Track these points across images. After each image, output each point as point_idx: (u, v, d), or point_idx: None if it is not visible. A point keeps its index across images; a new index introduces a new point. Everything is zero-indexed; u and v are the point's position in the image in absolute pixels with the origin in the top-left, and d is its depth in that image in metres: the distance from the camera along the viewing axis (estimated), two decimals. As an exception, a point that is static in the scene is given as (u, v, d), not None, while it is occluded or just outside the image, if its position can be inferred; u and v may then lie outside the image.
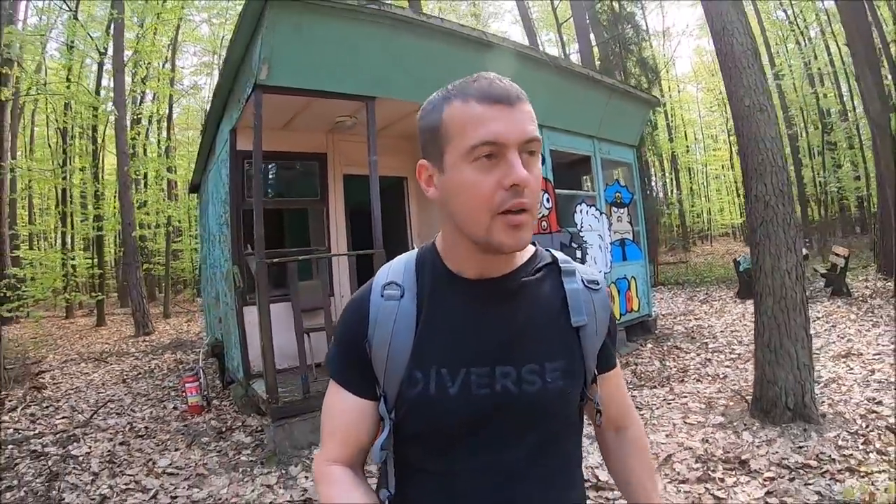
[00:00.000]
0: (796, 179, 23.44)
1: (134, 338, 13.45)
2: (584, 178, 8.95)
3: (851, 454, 3.75)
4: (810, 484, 3.40)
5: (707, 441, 4.27)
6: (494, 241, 0.90)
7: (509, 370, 0.97)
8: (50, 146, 22.12)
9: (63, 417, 6.38)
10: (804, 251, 12.71)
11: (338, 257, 6.80)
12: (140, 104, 21.60)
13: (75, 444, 5.32)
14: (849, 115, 22.82)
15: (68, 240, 21.06)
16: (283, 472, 4.32)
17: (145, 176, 21.37)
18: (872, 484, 3.29)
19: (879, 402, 4.67)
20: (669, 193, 33.46)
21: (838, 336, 7.48)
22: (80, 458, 4.90)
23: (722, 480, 3.60)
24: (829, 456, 3.74)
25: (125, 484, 4.29)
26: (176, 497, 4.03)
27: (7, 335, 11.50)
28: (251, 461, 4.61)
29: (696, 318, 10.35)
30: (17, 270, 13.94)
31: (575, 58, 21.98)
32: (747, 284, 11.25)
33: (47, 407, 6.94)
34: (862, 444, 3.90)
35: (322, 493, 1.00)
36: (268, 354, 4.76)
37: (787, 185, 4.75)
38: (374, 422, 1.03)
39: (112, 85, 16.36)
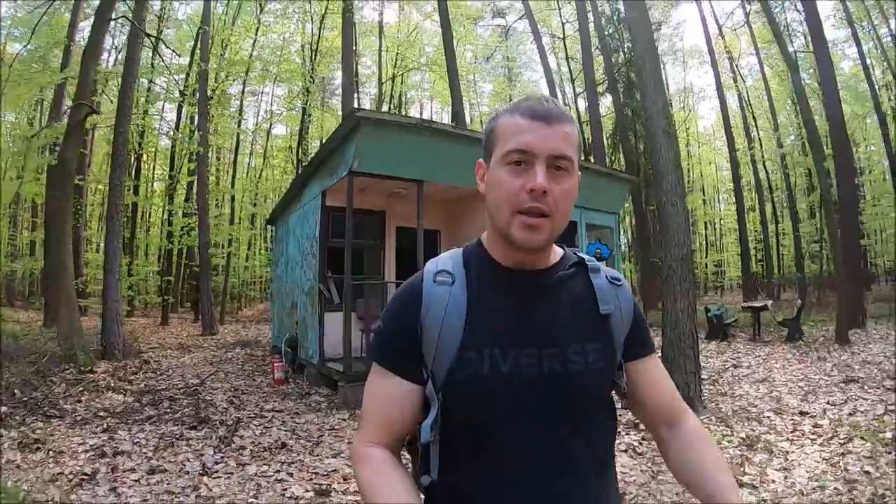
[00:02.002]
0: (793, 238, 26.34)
1: (202, 336, 15.88)
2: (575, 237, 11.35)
3: (712, 431, 5.80)
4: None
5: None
6: (512, 236, 1.02)
7: (555, 351, 1.03)
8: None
9: (179, 381, 8.83)
10: (767, 303, 14.81)
11: (390, 283, 9.30)
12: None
13: (200, 394, 7.76)
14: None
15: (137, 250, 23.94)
16: (351, 413, 6.72)
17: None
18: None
19: (754, 406, 6.74)
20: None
21: (765, 368, 9.31)
22: (210, 400, 7.35)
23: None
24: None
25: (247, 415, 6.72)
26: (284, 422, 6.43)
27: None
28: (328, 408, 7.03)
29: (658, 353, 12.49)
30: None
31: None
32: (715, 328, 12.90)
33: (160, 375, 9.37)
34: (723, 426, 5.91)
35: (360, 474, 1.02)
36: (346, 344, 7.26)
37: (687, 254, 7.12)
38: (417, 407, 1.06)
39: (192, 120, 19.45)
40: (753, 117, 29.57)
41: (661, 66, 34.88)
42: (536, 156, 0.99)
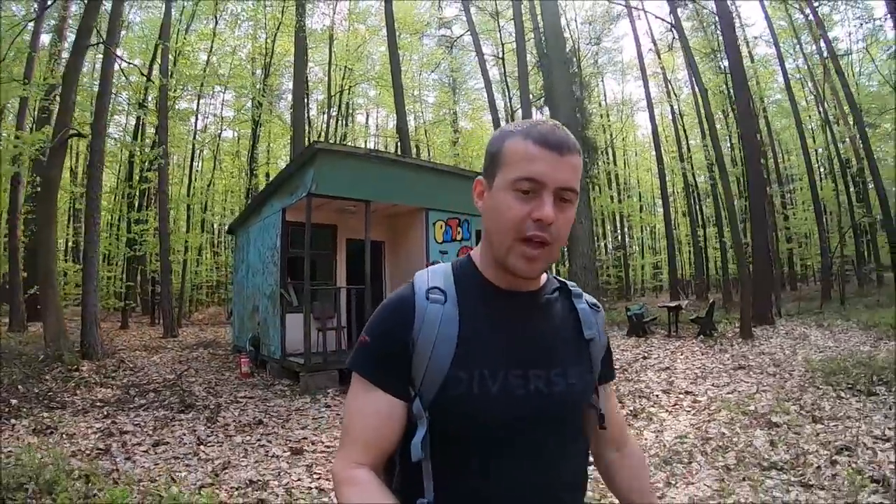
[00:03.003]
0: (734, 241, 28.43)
1: (163, 338, 16.61)
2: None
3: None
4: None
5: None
6: (510, 264, 1.03)
7: (540, 373, 1.05)
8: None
9: (156, 376, 9.82)
10: (682, 303, 16.46)
11: (342, 289, 10.49)
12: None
13: (179, 386, 8.81)
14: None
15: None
16: (312, 397, 7.92)
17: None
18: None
19: (649, 388, 7.90)
20: (615, 251, 36.87)
21: (671, 359, 10.10)
22: (190, 391, 8.42)
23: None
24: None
25: (225, 401, 7.84)
26: (257, 405, 7.57)
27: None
28: (292, 395, 8.20)
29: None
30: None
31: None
32: (634, 325, 13.84)
33: (138, 372, 10.32)
34: (619, 404, 7.42)
35: (344, 496, 0.99)
36: (307, 340, 8.46)
37: (591, 263, 8.54)
38: (401, 424, 1.04)
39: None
40: (684, 129, 31.73)
41: (601, 79, 37.17)
42: (546, 186, 0.99)
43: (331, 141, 27.57)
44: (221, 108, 29.22)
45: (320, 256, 10.78)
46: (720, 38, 24.24)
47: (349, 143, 32.80)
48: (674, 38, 19.82)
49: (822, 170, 30.30)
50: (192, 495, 4.06)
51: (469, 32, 24.11)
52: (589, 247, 8.11)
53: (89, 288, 10.55)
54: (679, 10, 22.71)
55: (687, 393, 7.48)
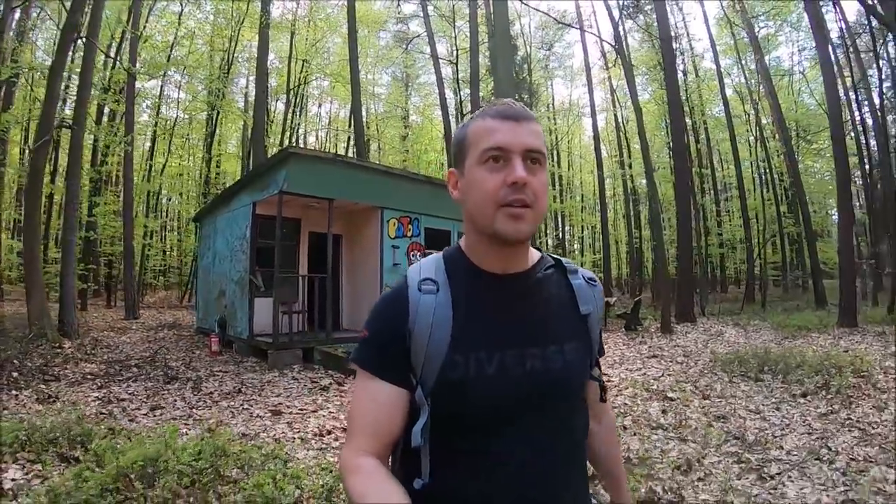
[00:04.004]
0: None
1: (126, 320, 17.14)
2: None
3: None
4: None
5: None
6: (498, 230, 1.04)
7: (536, 351, 1.08)
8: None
9: (133, 353, 10.60)
10: (610, 299, 17.97)
11: (308, 277, 11.46)
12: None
13: (157, 362, 9.66)
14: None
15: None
16: (279, 372, 8.93)
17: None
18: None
19: (606, 375, 9.39)
20: (554, 248, 38.20)
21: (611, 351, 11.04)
22: (168, 364, 9.31)
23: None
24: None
25: (203, 375, 8.75)
26: (233, 378, 8.51)
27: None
28: (262, 370, 9.19)
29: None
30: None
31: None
32: None
33: (115, 350, 11.07)
34: None
35: (351, 484, 1.00)
36: (275, 323, 9.45)
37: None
38: (405, 412, 1.07)
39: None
40: (626, 137, 33.42)
41: (551, 83, 38.56)
42: (512, 151, 1.03)
43: (287, 133, 28.23)
44: (178, 92, 29.31)
45: (285, 247, 11.67)
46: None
47: (301, 131, 33.47)
48: (616, 58, 21.21)
49: (759, 180, 31.97)
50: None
51: (426, 33, 24.98)
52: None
53: (68, 270, 11.24)
54: (626, 25, 24.20)
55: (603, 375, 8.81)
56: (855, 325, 13.12)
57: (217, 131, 28.51)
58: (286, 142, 29.11)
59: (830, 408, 6.14)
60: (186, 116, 28.82)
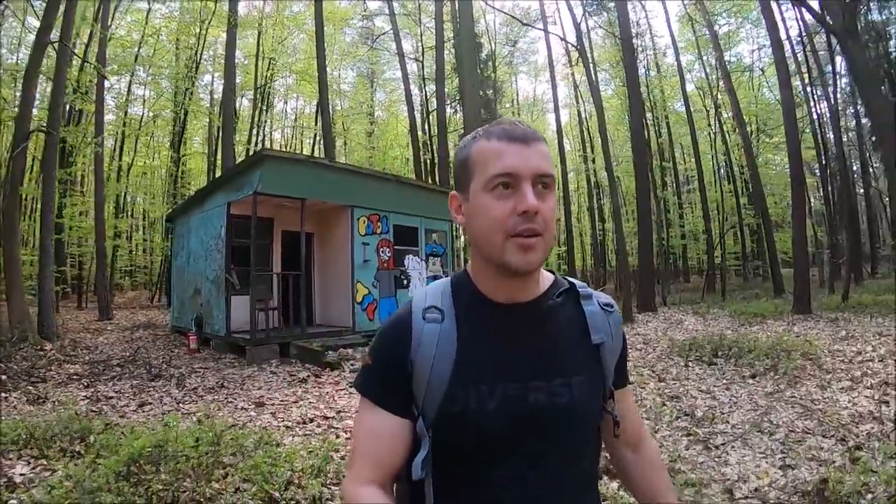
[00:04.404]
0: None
1: (100, 321, 17.23)
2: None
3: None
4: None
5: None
6: (508, 262, 0.99)
7: (541, 385, 1.03)
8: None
9: (113, 354, 10.86)
10: None
11: (282, 274, 11.81)
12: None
13: (138, 361, 9.96)
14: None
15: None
16: (258, 367, 9.33)
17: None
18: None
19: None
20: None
21: None
22: (149, 362, 9.63)
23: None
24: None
25: (185, 372, 9.10)
26: (214, 374, 8.89)
27: None
28: (241, 365, 9.57)
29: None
30: None
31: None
32: None
33: (95, 350, 11.31)
34: None
35: None
36: (252, 319, 9.83)
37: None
38: (407, 442, 1.05)
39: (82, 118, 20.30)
40: (589, 132, 34.16)
41: (515, 78, 39.11)
42: (522, 177, 0.98)
43: (255, 131, 28.31)
44: (145, 90, 29.08)
45: (259, 245, 12.04)
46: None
47: (266, 128, 33.48)
48: (578, 58, 21.82)
49: (720, 173, 32.98)
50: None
51: (392, 30, 25.25)
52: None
53: (46, 273, 11.43)
54: (590, 23, 24.76)
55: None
56: (809, 312, 13.87)
57: (184, 130, 28.43)
58: (254, 139, 29.20)
59: (777, 387, 6.72)
60: (152, 115, 28.64)
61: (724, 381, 7.25)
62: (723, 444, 4.84)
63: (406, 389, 1.04)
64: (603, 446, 1.24)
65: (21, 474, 4.17)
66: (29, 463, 4.41)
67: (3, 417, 5.92)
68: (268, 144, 32.51)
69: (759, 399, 6.30)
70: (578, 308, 1.14)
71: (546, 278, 1.15)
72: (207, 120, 28.55)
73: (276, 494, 3.53)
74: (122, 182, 25.99)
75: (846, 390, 6.45)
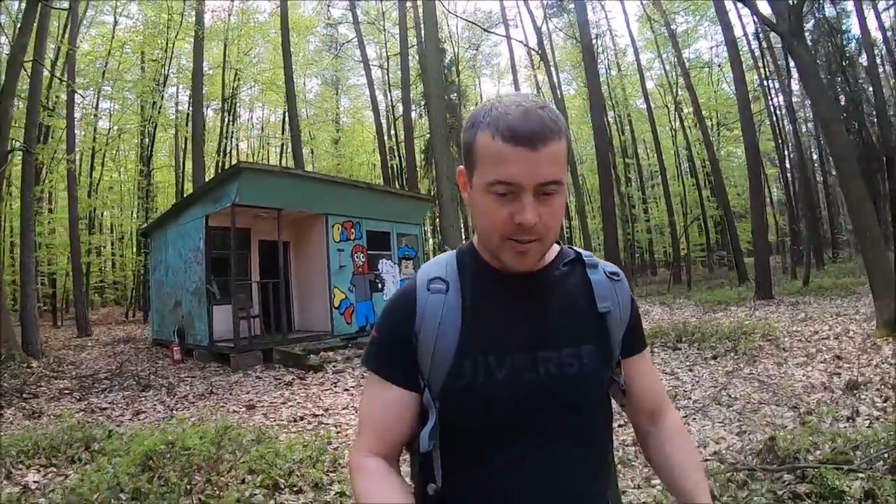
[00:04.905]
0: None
1: (79, 337, 17.37)
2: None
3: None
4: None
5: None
6: (503, 260, 1.00)
7: (550, 355, 1.01)
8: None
9: (98, 368, 11.08)
10: None
11: (261, 283, 12.17)
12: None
13: (125, 374, 10.22)
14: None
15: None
16: (243, 373, 9.69)
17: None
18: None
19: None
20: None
21: None
22: (137, 374, 9.91)
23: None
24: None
25: (173, 381, 9.41)
26: (202, 382, 9.21)
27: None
28: (226, 373, 9.92)
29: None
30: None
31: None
32: None
33: (80, 366, 11.50)
34: None
35: (356, 485, 1.00)
36: (236, 328, 10.18)
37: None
38: (414, 415, 1.03)
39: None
40: None
41: (478, 81, 39.69)
42: (523, 188, 0.91)
43: (223, 142, 28.40)
44: (110, 104, 28.87)
45: (238, 255, 12.40)
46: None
47: (235, 138, 33.53)
48: (540, 61, 22.41)
49: (682, 168, 33.64)
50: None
51: (356, 37, 25.54)
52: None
53: (28, 291, 11.62)
54: (550, 25, 25.30)
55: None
56: (771, 298, 14.67)
57: (154, 143, 28.35)
58: (223, 150, 29.21)
59: (736, 366, 7.28)
60: (117, 128, 28.50)
61: (688, 364, 7.81)
62: (685, 417, 5.27)
63: (412, 361, 1.03)
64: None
65: (35, 481, 4.46)
66: (39, 471, 4.69)
67: (2, 433, 6.16)
68: (234, 154, 32.64)
69: (719, 377, 6.84)
70: (585, 277, 1.12)
71: (552, 248, 1.11)
72: (174, 132, 28.49)
73: (281, 481, 3.97)
74: (92, 198, 25.84)
75: (801, 365, 7.02)
